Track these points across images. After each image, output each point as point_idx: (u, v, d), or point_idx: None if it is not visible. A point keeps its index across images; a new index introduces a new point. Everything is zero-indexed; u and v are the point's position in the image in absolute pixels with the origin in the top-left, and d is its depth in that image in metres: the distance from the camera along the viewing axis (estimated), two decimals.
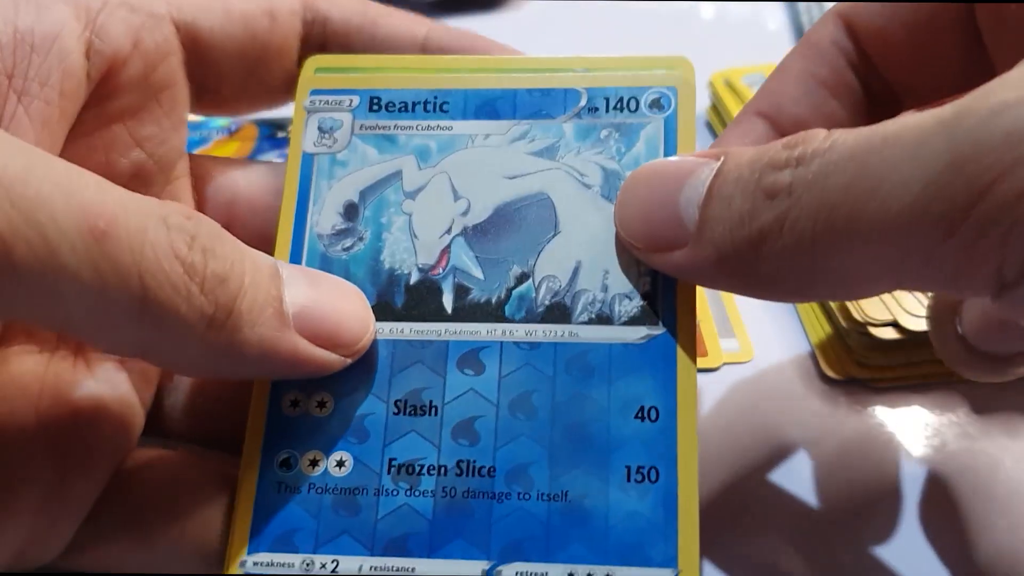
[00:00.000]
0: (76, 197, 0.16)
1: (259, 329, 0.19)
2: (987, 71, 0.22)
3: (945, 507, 0.27)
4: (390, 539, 0.20)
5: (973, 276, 0.16)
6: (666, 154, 0.23)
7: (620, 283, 0.22)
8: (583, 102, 0.23)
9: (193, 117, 0.40)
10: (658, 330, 0.21)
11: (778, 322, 0.33)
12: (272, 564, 0.20)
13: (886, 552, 0.26)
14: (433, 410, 0.21)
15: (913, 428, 0.29)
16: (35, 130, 0.19)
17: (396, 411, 0.21)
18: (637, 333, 0.21)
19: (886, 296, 0.30)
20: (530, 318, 0.22)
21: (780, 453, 0.29)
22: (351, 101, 0.24)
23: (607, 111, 0.23)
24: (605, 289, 0.22)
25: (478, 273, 0.22)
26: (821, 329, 0.32)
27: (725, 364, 0.31)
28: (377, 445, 0.21)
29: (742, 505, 0.27)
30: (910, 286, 0.18)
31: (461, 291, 0.22)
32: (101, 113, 0.22)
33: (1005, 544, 0.26)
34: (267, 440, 0.21)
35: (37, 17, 0.20)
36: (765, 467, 0.28)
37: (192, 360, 0.19)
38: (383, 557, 0.20)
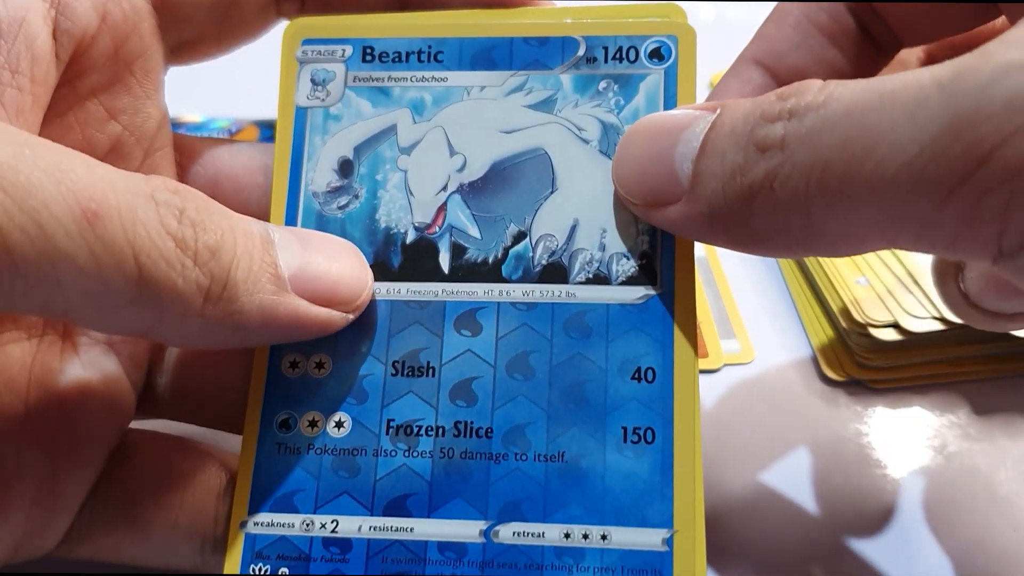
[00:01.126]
0: (66, 181, 0.16)
1: (257, 296, 0.18)
2: (990, 10, 0.21)
3: (945, 508, 0.27)
4: (389, 499, 0.21)
5: (971, 242, 0.16)
6: (666, 107, 0.22)
7: (618, 242, 0.21)
8: (581, 51, 0.23)
9: (194, 118, 0.39)
10: (656, 291, 0.21)
11: (779, 323, 0.33)
12: (273, 524, 0.21)
13: (886, 553, 0.26)
14: (431, 371, 0.21)
15: (913, 429, 0.29)
16: (9, 119, 0.19)
17: (394, 372, 0.21)
18: (635, 293, 0.21)
19: (887, 297, 0.30)
20: (527, 278, 0.22)
21: (781, 454, 0.29)
22: (344, 51, 0.23)
23: (606, 61, 0.23)
24: (603, 248, 0.22)
25: (475, 232, 0.22)
26: (822, 330, 0.32)
27: (726, 365, 0.31)
28: (375, 406, 0.21)
29: (743, 506, 0.27)
30: (905, 247, 0.17)
31: (458, 250, 0.22)
32: (73, 91, 0.21)
33: (1006, 545, 0.26)
34: (266, 402, 0.21)
35: (1, 2, 0.19)
36: (766, 468, 0.28)
37: (193, 334, 0.18)
38: (382, 517, 0.20)
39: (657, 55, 0.22)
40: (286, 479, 0.21)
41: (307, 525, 0.21)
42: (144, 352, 0.23)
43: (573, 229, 0.22)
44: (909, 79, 0.16)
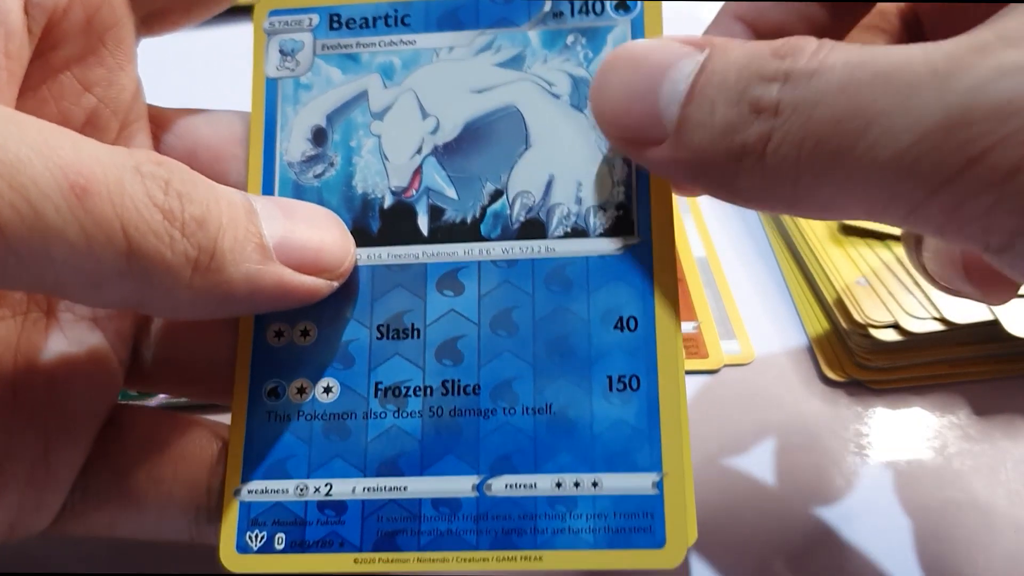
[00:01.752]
0: (54, 157, 0.16)
1: (243, 266, 0.19)
2: None
3: (946, 509, 0.27)
4: (382, 460, 0.21)
5: (957, 234, 0.16)
6: None
7: (594, 195, 0.22)
8: (547, 7, 0.23)
9: None
10: (634, 240, 0.21)
11: (778, 324, 0.33)
12: (267, 491, 0.21)
13: (887, 553, 0.26)
14: (416, 333, 0.21)
15: (914, 430, 0.29)
16: None
17: (379, 336, 0.21)
18: (613, 245, 0.21)
19: (887, 297, 0.30)
20: (506, 235, 0.22)
21: (781, 455, 0.29)
22: (310, 20, 0.23)
23: (572, 15, 0.23)
24: (579, 202, 0.22)
25: (451, 193, 0.22)
26: (822, 330, 0.32)
27: (726, 366, 0.31)
28: (363, 370, 0.21)
29: (743, 506, 0.27)
30: (892, 224, 0.18)
31: (436, 212, 0.22)
32: (46, 64, 0.21)
33: (1006, 546, 0.26)
34: (254, 371, 0.22)
35: None
36: (765, 469, 0.28)
37: (182, 304, 0.19)
38: (375, 478, 0.21)
39: (623, 6, 0.22)
40: (277, 446, 0.21)
41: (301, 490, 0.21)
42: (130, 327, 0.24)
43: (549, 184, 0.22)
44: (901, 60, 0.16)
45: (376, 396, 0.21)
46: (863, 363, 0.30)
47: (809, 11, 0.22)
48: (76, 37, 0.21)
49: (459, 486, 0.20)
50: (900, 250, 0.31)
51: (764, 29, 0.23)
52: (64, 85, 0.22)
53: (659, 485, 0.20)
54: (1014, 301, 0.28)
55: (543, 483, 0.20)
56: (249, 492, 0.21)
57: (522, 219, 0.22)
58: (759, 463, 0.28)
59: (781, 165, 0.17)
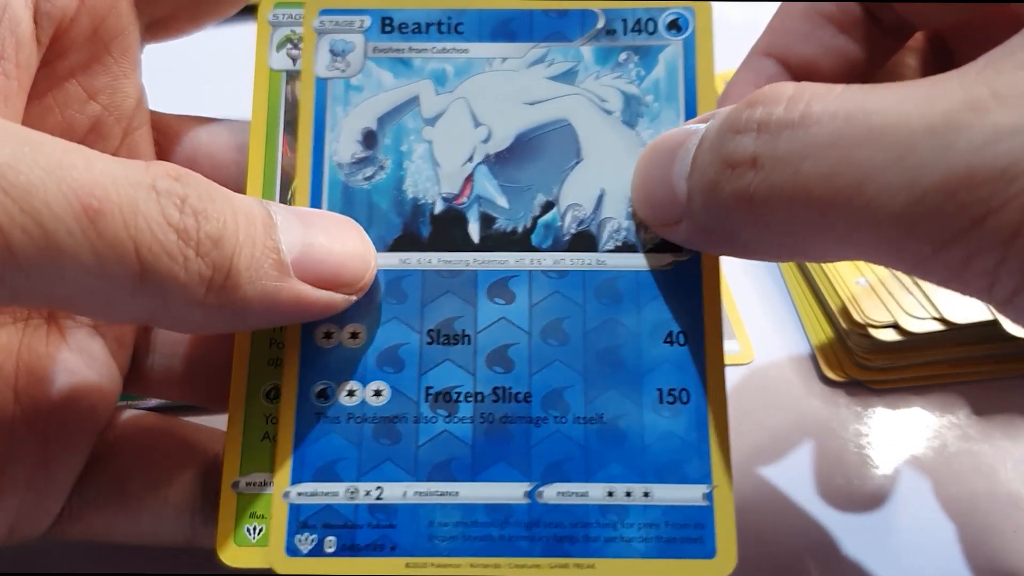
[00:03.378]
0: (67, 178, 0.15)
1: (259, 283, 0.18)
2: None
3: (946, 509, 0.28)
4: (433, 465, 0.21)
5: (963, 287, 0.17)
6: (685, 78, 0.23)
7: None
8: (600, 24, 0.23)
9: None
10: (682, 256, 0.22)
11: (778, 324, 0.33)
12: (316, 494, 0.21)
13: (886, 554, 0.26)
14: (466, 339, 0.22)
15: (913, 430, 0.30)
16: None
17: (429, 341, 0.22)
18: (662, 260, 0.22)
19: (887, 297, 0.30)
20: (557, 247, 0.22)
21: (781, 455, 0.29)
22: (362, 22, 0.23)
23: (625, 33, 0.23)
24: (630, 216, 0.22)
25: (503, 202, 0.22)
26: (822, 331, 0.32)
27: (726, 366, 0.32)
28: (413, 374, 0.21)
29: (743, 506, 0.27)
30: (902, 271, 0.19)
31: (487, 220, 0.22)
32: (52, 73, 0.21)
33: (1006, 546, 0.27)
34: (302, 372, 0.21)
35: None
36: (765, 469, 0.29)
37: (195, 320, 0.18)
38: (427, 482, 0.21)
39: (675, 26, 0.23)
40: (327, 448, 0.21)
41: (351, 493, 0.21)
42: (130, 334, 0.23)
43: (600, 198, 0.22)
44: (895, 115, 0.16)
45: (427, 401, 0.21)
46: (863, 363, 0.31)
47: (838, 44, 0.23)
48: (82, 46, 0.21)
49: (511, 493, 0.21)
50: None
51: (795, 65, 0.23)
52: (69, 93, 0.21)
53: (709, 496, 0.21)
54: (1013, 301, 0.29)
55: (595, 492, 0.21)
56: (299, 495, 0.21)
57: (573, 231, 0.22)
58: (759, 463, 0.29)
59: (775, 219, 0.18)
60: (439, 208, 0.22)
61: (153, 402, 0.29)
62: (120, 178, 0.16)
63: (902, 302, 0.30)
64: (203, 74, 0.35)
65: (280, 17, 0.23)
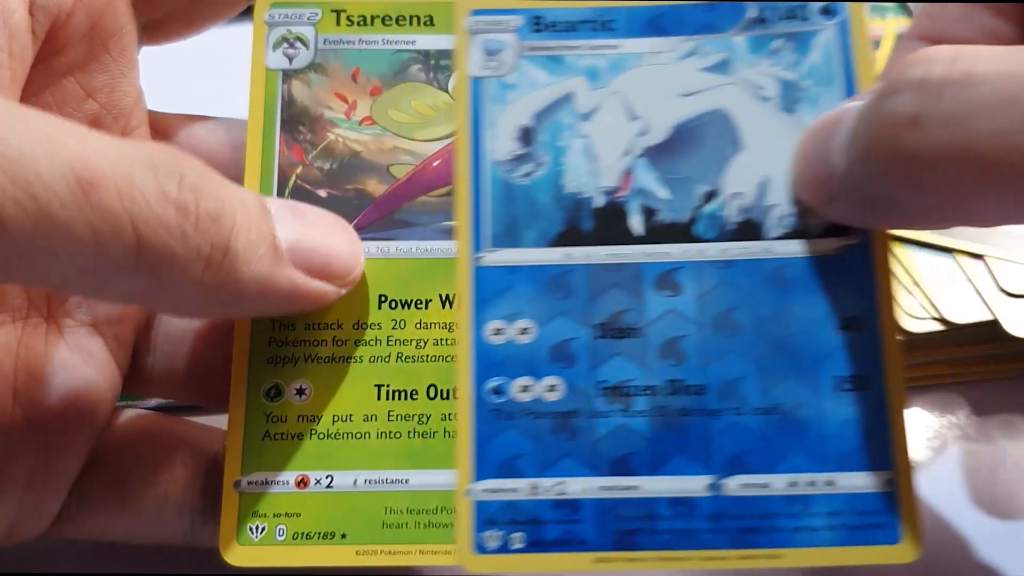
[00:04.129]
0: (60, 151, 0.15)
1: (256, 266, 0.18)
2: None
3: (945, 509, 0.27)
4: (613, 459, 0.21)
5: None
6: (843, 62, 0.22)
7: None
8: (752, 14, 0.23)
9: None
10: (853, 240, 0.22)
11: None
12: (500, 490, 0.21)
13: None
14: (636, 332, 0.21)
15: (913, 430, 0.29)
16: None
17: (599, 335, 0.21)
18: (832, 244, 0.22)
19: None
20: (722, 236, 0.22)
21: None
22: (513, 22, 0.23)
23: (777, 21, 0.23)
24: (795, 202, 0.22)
25: (664, 193, 0.22)
26: None
27: None
28: (585, 368, 0.21)
29: None
30: None
31: (648, 212, 0.22)
32: (49, 70, 0.21)
33: (1005, 546, 0.26)
34: (477, 369, 0.21)
35: None
36: None
37: (191, 302, 0.18)
38: (608, 477, 0.21)
39: (826, 11, 0.23)
40: (506, 444, 0.21)
41: (534, 488, 0.21)
42: (129, 332, 0.23)
43: (763, 186, 0.22)
44: None
45: (601, 395, 0.21)
46: None
47: (992, 26, 0.23)
48: (79, 43, 0.21)
49: (692, 485, 0.21)
50: (900, 250, 0.31)
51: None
52: (67, 90, 0.22)
53: (892, 483, 0.20)
54: (1014, 301, 0.28)
55: (777, 482, 0.20)
56: (483, 491, 0.21)
57: (737, 220, 0.22)
58: None
59: (939, 180, 0.17)
60: (600, 202, 0.22)
61: (153, 402, 0.29)
62: (114, 153, 0.16)
63: (902, 302, 0.30)
64: (200, 74, 0.35)
65: (276, 16, 0.24)
